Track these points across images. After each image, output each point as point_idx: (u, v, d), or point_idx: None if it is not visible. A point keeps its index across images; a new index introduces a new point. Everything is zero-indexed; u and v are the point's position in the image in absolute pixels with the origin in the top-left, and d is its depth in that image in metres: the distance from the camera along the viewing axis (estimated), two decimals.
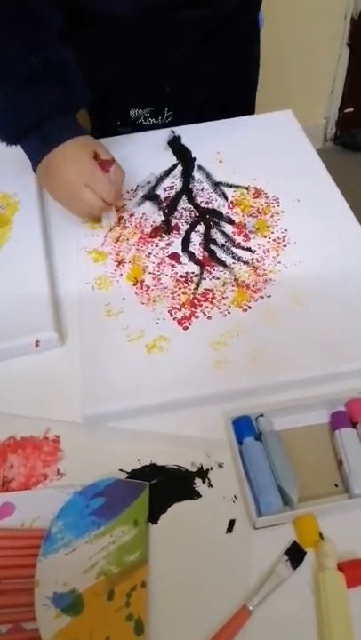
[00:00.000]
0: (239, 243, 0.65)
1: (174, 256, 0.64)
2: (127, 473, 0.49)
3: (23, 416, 0.53)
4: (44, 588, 0.41)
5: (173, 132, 0.83)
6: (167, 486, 0.48)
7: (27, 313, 0.58)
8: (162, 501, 0.47)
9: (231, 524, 0.46)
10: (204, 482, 0.48)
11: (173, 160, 0.78)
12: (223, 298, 0.59)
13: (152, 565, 0.44)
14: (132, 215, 0.70)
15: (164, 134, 0.83)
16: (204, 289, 0.60)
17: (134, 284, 0.61)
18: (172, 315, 0.57)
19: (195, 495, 0.48)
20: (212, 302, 0.58)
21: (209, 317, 0.57)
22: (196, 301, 0.58)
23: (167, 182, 0.75)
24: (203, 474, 0.49)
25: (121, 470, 0.49)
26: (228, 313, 0.57)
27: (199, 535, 0.45)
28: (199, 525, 0.46)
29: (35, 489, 0.49)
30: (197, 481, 0.48)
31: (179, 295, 0.59)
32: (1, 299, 0.61)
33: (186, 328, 0.56)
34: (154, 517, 0.46)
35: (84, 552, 0.43)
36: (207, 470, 0.49)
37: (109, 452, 0.51)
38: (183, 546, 0.45)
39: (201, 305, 0.58)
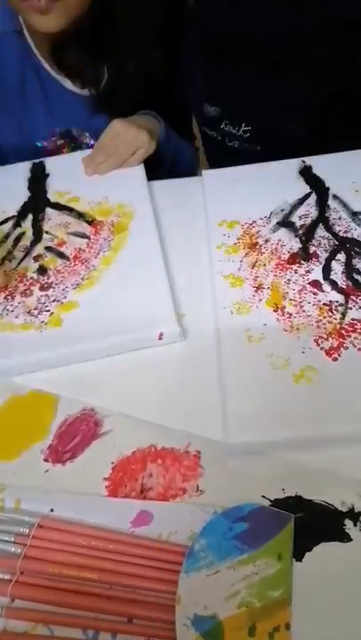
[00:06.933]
0: None
1: (315, 284, 0.62)
2: (270, 501, 0.47)
3: (164, 426, 0.53)
4: (186, 606, 0.40)
5: (304, 161, 0.82)
6: (313, 523, 0.45)
7: (150, 310, 0.62)
8: (307, 538, 0.44)
9: None
10: (355, 525, 0.45)
11: (306, 189, 0.77)
12: None
13: (294, 606, 0.40)
14: (267, 241, 0.69)
15: (294, 164, 0.82)
16: (351, 319, 0.57)
17: (275, 310, 0.60)
18: (318, 344, 0.55)
19: (345, 538, 0.44)
20: None
21: (360, 349, 0.54)
22: (343, 332, 0.56)
23: (302, 210, 0.73)
24: (354, 516, 0.45)
25: (264, 497, 0.47)
26: None
27: (348, 581, 0.42)
28: (348, 571, 0.42)
29: (173, 502, 0.48)
30: (348, 523, 0.45)
31: (324, 324, 0.57)
32: (124, 297, 0.64)
33: (335, 359, 0.53)
34: (298, 554, 0.43)
35: (225, 577, 0.41)
36: (360, 513, 0.45)
37: (252, 476, 0.49)
38: (330, 590, 0.41)
39: (350, 336, 0.55)
